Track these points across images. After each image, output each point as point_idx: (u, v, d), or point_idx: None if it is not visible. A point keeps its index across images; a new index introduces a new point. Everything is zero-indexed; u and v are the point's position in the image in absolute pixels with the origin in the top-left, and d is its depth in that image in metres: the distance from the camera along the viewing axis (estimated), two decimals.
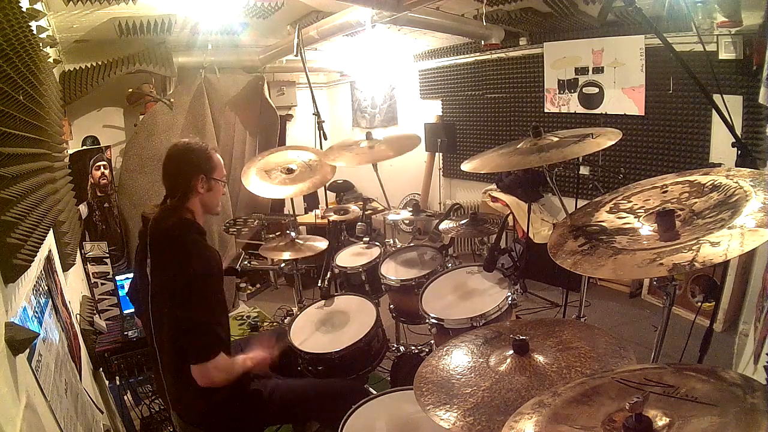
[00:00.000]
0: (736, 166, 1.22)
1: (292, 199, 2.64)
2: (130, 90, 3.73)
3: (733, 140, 1.30)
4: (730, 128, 1.31)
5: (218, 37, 3.71)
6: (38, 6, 1.81)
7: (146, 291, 1.47)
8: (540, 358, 1.07)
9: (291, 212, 2.89)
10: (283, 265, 2.44)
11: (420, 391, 1.06)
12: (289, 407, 1.64)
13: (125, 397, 2.28)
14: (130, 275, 2.26)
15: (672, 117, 3.30)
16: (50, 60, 2.29)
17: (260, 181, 2.30)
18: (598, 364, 1.01)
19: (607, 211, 1.17)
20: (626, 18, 3.23)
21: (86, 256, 2.69)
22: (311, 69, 3.85)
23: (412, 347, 2.23)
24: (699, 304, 2.98)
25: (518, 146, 1.62)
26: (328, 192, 4.18)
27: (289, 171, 2.36)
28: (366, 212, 2.78)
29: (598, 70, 3.60)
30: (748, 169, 1.04)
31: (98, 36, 3.15)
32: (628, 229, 1.06)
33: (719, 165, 2.63)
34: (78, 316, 2.06)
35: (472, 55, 4.53)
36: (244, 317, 3.66)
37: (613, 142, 1.41)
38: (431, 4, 2.91)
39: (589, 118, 3.74)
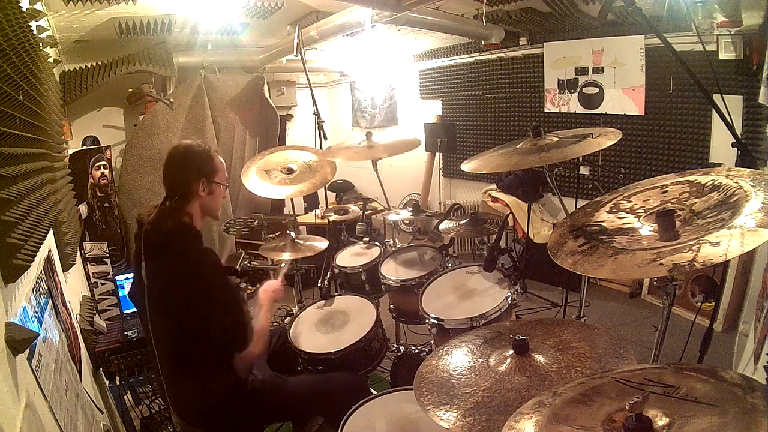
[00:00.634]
0: (736, 166, 1.22)
1: (292, 199, 2.64)
2: (130, 90, 3.74)
3: (733, 140, 1.30)
4: (730, 128, 1.31)
5: (218, 37, 3.71)
6: (38, 6, 1.81)
7: (143, 292, 1.46)
8: (540, 358, 1.07)
9: (291, 212, 2.89)
10: (283, 264, 2.44)
11: (420, 391, 1.06)
12: (289, 405, 1.64)
13: (125, 397, 2.27)
14: (130, 275, 2.26)
15: (672, 117, 3.30)
16: (50, 60, 2.29)
17: (260, 181, 2.30)
18: (598, 364, 1.01)
19: (607, 211, 1.17)
20: (626, 18, 3.23)
21: (86, 256, 2.69)
22: (311, 69, 3.85)
23: (412, 347, 2.23)
24: (699, 304, 2.98)
25: (518, 146, 1.62)
26: (328, 192, 4.19)
27: (289, 171, 2.36)
28: (366, 212, 2.79)
29: (598, 70, 3.60)
30: (748, 169, 1.04)
31: (98, 36, 3.15)
32: (628, 229, 1.06)
33: (719, 165, 2.63)
34: (78, 316, 2.06)
35: (472, 55, 4.53)
36: None
37: (613, 142, 1.41)
38: (431, 4, 2.91)
39: (589, 118, 3.74)
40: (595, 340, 1.10)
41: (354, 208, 2.87)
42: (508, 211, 3.89)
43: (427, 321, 1.70)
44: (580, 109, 3.79)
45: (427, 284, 1.90)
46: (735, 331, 2.53)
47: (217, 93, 4.10)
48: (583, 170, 3.69)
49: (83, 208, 2.98)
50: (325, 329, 1.93)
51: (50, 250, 1.60)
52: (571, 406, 0.75)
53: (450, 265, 2.08)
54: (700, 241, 0.86)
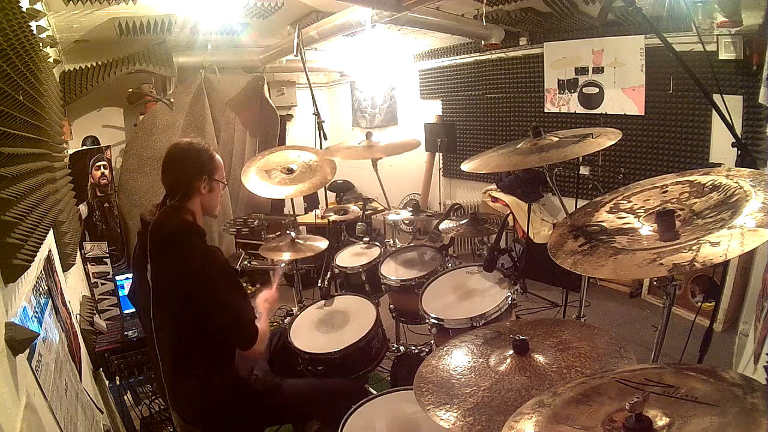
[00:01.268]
0: (736, 166, 1.22)
1: (292, 199, 2.64)
2: (130, 90, 3.74)
3: (733, 140, 1.30)
4: (730, 128, 1.31)
5: (218, 37, 3.71)
6: (38, 6, 1.81)
7: (145, 293, 1.46)
8: (540, 358, 1.07)
9: (291, 212, 2.89)
10: (283, 264, 2.44)
11: (420, 391, 1.05)
12: (289, 407, 1.64)
13: (125, 397, 2.27)
14: (131, 275, 2.26)
15: (672, 117, 3.30)
16: (50, 60, 2.29)
17: (260, 180, 2.30)
18: (598, 364, 1.01)
19: (607, 211, 1.17)
20: (626, 18, 3.23)
21: (86, 256, 2.69)
22: (311, 69, 3.85)
23: (412, 347, 2.23)
24: (699, 304, 2.98)
25: (518, 146, 1.62)
26: (328, 192, 4.19)
27: (289, 171, 2.36)
28: (366, 212, 2.78)
29: (598, 70, 3.60)
30: (748, 169, 1.04)
31: (98, 36, 3.15)
32: (628, 229, 1.06)
33: (719, 165, 2.63)
34: (78, 316, 2.06)
35: (472, 55, 4.53)
36: None
37: (613, 142, 1.41)
38: (431, 4, 2.91)
39: (589, 118, 3.74)
40: (595, 340, 1.10)
41: (354, 208, 2.87)
42: (508, 211, 3.89)
43: (427, 321, 1.70)
44: (580, 109, 3.79)
45: (427, 284, 1.89)
46: (735, 331, 2.53)
47: (217, 93, 4.10)
48: (583, 170, 3.69)
49: (83, 208, 2.98)
50: (325, 329, 1.93)
51: (50, 250, 1.60)
52: (571, 406, 0.75)
53: (450, 265, 2.08)
54: (700, 241, 0.86)
